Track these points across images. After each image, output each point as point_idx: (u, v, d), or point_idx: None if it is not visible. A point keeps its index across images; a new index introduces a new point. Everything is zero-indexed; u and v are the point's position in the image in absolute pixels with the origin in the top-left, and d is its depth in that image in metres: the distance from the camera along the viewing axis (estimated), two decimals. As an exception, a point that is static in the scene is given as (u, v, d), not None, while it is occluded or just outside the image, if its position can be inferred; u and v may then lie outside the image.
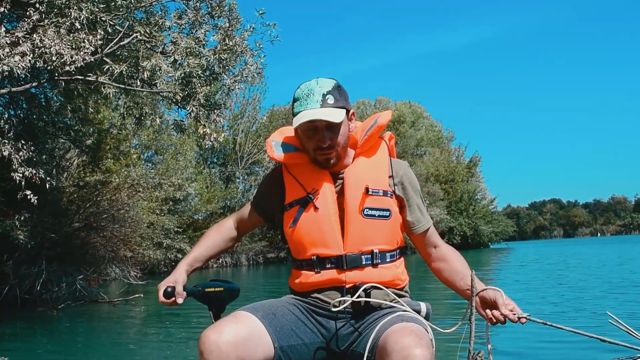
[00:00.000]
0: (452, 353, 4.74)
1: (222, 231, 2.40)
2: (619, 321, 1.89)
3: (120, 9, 8.11)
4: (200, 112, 8.21)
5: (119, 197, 17.68)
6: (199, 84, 8.11)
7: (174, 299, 2.15)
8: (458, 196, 55.53)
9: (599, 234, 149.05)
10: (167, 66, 7.80)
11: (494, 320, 2.04)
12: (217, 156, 42.82)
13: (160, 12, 8.82)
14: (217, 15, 8.61)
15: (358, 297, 2.05)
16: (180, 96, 8.12)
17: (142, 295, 14.74)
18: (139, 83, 8.33)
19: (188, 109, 8.14)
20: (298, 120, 2.09)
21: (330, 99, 2.11)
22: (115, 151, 20.59)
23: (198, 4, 8.60)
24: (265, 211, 2.35)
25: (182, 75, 7.98)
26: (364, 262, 2.11)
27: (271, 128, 45.44)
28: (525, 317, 1.98)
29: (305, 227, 2.15)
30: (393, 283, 2.16)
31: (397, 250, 2.21)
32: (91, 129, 16.35)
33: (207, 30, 8.56)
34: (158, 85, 8.07)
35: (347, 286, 2.09)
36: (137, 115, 9.54)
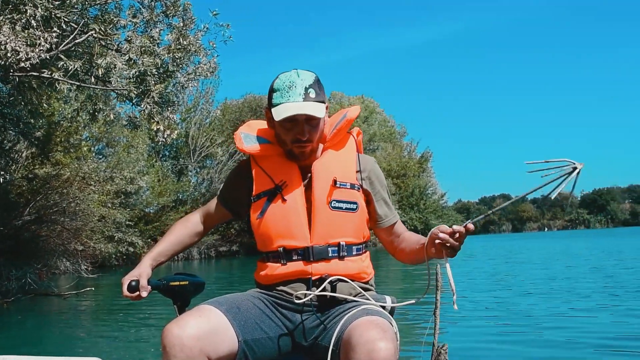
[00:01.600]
0: (416, 345, 4.86)
1: (187, 226, 2.39)
2: (536, 161, 1.85)
3: (75, 6, 8.20)
4: (154, 110, 8.34)
5: (70, 190, 17.59)
6: (153, 82, 8.24)
7: (138, 293, 2.15)
8: (409, 191, 56.36)
9: (546, 229, 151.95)
10: (122, 64, 7.92)
11: (443, 237, 1.97)
12: (170, 149, 42.48)
13: (115, 10, 8.92)
14: (171, 14, 8.75)
15: (323, 289, 2.05)
16: (134, 94, 8.25)
17: (93, 288, 14.74)
18: (93, 79, 8.42)
19: (142, 106, 8.27)
20: (281, 113, 2.08)
21: (312, 93, 2.11)
22: (66, 144, 20.43)
23: (153, 3, 8.74)
24: (232, 205, 2.35)
25: (137, 73, 8.11)
26: (330, 254, 2.11)
27: (224, 121, 45.33)
28: (470, 222, 1.97)
29: (273, 219, 2.15)
30: (359, 276, 2.16)
31: (364, 244, 2.21)
32: (41, 121, 16.22)
33: (162, 29, 8.71)
34: (113, 82, 8.18)
35: (313, 278, 2.09)
36: (91, 111, 9.61)
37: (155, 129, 8.56)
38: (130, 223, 29.73)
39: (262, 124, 2.35)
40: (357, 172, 2.22)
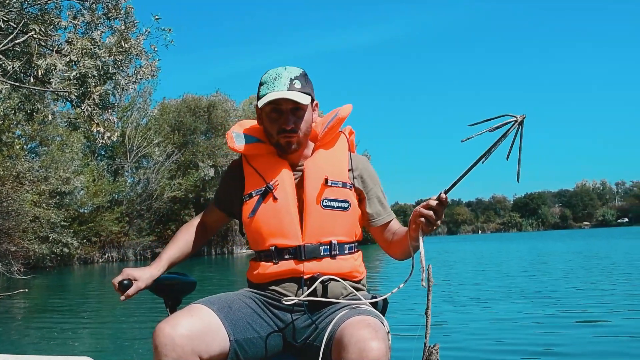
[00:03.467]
0: (407, 345, 4.98)
1: (190, 231, 2.38)
2: (477, 122, 1.80)
3: (15, 4, 8.13)
4: (94, 112, 8.35)
5: (3, 189, 17.20)
6: (94, 84, 8.25)
7: (124, 294, 2.12)
8: (347, 193, 56.75)
9: (480, 232, 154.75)
10: (62, 65, 7.90)
11: (423, 212, 1.96)
12: (105, 149, 41.75)
13: (55, 10, 8.88)
14: (113, 17, 8.78)
15: (313, 291, 2.06)
16: (75, 95, 8.25)
17: (26, 290, 14.47)
18: (32, 80, 8.38)
19: (82, 107, 8.27)
20: (263, 101, 2.10)
21: (297, 84, 2.13)
22: (-2, 142, 19.95)
23: (94, 5, 8.74)
24: (227, 207, 2.34)
25: (78, 75, 8.10)
26: (322, 253, 2.10)
27: (162, 121, 44.86)
28: (443, 192, 1.95)
29: (264, 218, 2.14)
30: (350, 275, 2.15)
31: (356, 243, 2.21)
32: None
33: (103, 32, 8.73)
34: (53, 83, 8.15)
35: (305, 277, 2.08)
36: (28, 111, 9.52)
37: (95, 130, 8.57)
38: (65, 224, 29.21)
39: (254, 123, 2.35)
40: (348, 170, 2.22)
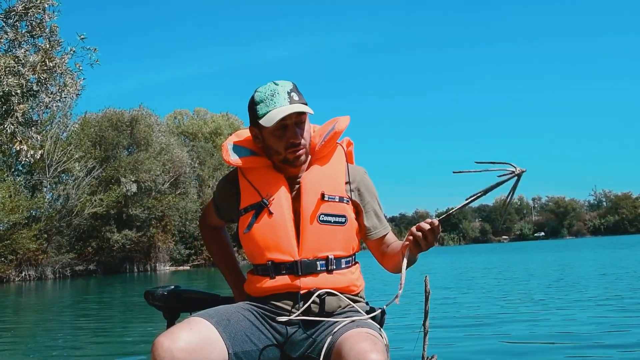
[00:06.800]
0: (406, 357, 4.82)
1: (220, 241, 2.53)
2: (483, 161, 1.85)
3: None
4: (17, 130, 8.28)
5: None
6: (17, 101, 8.19)
7: None
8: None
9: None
10: (-16, 83, 7.84)
11: (414, 233, 2.01)
12: (23, 163, 40.45)
13: (-25, 26, 8.78)
14: (37, 35, 8.74)
15: (308, 308, 2.07)
16: (-3, 113, 8.18)
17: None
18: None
19: (5, 125, 8.19)
20: (271, 119, 2.08)
21: (295, 96, 2.12)
22: None
23: (17, 23, 8.68)
24: (228, 216, 2.36)
25: (1, 93, 8.04)
26: (318, 268, 2.10)
27: (82, 136, 43.84)
28: (436, 218, 2.00)
29: (260, 233, 2.14)
30: (348, 289, 2.16)
31: (353, 256, 2.21)
32: None
33: (27, 50, 8.67)
34: (-26, 101, 8.06)
35: (302, 292, 2.09)
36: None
37: (18, 148, 8.49)
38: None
39: (249, 134, 2.33)
40: (346, 183, 2.22)
